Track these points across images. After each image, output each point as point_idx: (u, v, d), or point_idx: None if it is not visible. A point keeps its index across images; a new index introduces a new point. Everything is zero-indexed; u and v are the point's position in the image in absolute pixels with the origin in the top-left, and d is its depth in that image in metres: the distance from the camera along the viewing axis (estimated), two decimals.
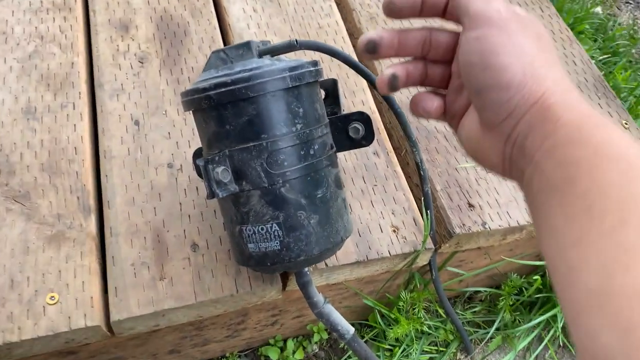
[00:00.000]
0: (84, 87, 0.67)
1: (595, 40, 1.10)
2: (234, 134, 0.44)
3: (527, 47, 0.31)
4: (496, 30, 0.31)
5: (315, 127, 0.46)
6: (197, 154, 0.55)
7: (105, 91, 0.67)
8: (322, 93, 0.52)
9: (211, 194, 0.44)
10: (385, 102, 0.54)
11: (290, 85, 0.44)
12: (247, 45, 0.46)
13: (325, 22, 0.79)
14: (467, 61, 0.32)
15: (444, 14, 0.35)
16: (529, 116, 0.30)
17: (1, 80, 0.65)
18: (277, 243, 0.46)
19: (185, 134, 0.64)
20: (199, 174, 0.55)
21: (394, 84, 0.36)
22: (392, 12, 0.36)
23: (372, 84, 0.50)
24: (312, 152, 0.46)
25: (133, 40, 0.72)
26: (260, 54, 0.47)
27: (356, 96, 0.72)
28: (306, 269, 0.51)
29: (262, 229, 0.46)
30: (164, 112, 0.66)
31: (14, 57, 0.68)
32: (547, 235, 0.28)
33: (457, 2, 0.33)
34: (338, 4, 0.84)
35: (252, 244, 0.47)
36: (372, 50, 0.36)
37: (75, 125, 0.64)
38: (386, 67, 0.37)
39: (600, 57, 1.02)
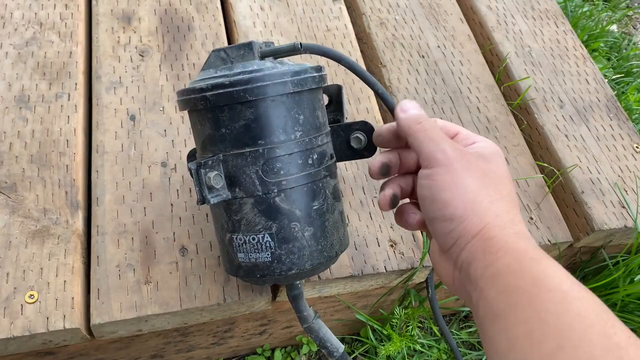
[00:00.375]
0: (80, 78, 0.65)
1: (609, 59, 1.07)
2: (229, 138, 0.42)
3: (470, 184, 0.36)
4: (442, 169, 0.36)
5: (315, 135, 0.44)
6: (192, 155, 0.52)
7: (102, 83, 0.64)
8: (326, 99, 0.50)
9: (202, 200, 0.41)
10: (391, 113, 0.52)
11: (292, 91, 0.42)
12: (248, 45, 0.44)
13: (334, 24, 0.77)
14: (420, 194, 0.38)
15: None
16: (471, 246, 0.35)
17: None
18: (268, 255, 0.44)
19: (181, 133, 0.62)
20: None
21: (394, 202, 0.42)
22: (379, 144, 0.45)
23: (377, 93, 0.48)
24: (310, 161, 0.43)
25: (135, 32, 0.70)
26: (262, 56, 0.44)
27: (361, 103, 0.70)
28: (297, 282, 0.49)
29: (253, 238, 0.44)
30: (161, 109, 0.64)
31: (10, 42, 0.66)
32: (493, 356, 0.31)
33: (412, 144, 0.39)
34: (348, 7, 0.82)
35: (242, 254, 0.45)
36: (386, 172, 0.42)
37: (68, 117, 0.62)
38: (385, 186, 0.42)
39: (614, 77, 0.99)
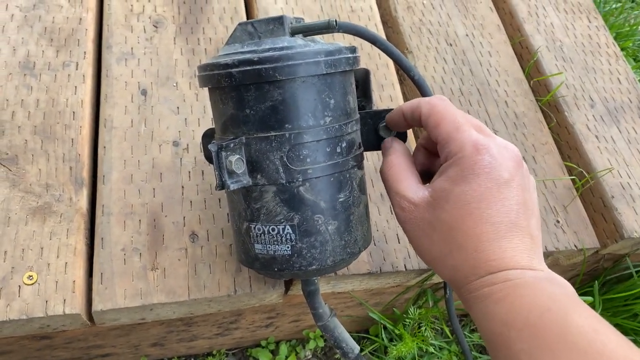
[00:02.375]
0: (90, 47, 0.61)
1: (636, 60, 1.04)
2: (254, 119, 0.38)
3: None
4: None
5: (345, 122, 0.40)
6: (208, 135, 0.49)
7: (113, 54, 0.61)
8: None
9: (221, 185, 0.38)
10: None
11: (325, 72, 0.38)
12: (279, 20, 0.40)
13: (359, 5, 0.73)
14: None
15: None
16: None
17: (0, 29, 0.59)
18: (288, 247, 0.40)
19: (195, 111, 0.59)
20: (208, 158, 0.50)
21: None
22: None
23: (413, 79, 0.45)
24: (338, 149, 0.40)
25: (149, 1, 0.66)
26: (293, 32, 0.41)
27: (384, 90, 0.66)
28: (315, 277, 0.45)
29: (273, 229, 0.40)
30: (174, 84, 0.60)
31: (16, 4, 0.62)
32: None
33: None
34: None
35: (259, 245, 0.41)
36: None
37: (76, 87, 0.58)
38: None
39: None
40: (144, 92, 0.59)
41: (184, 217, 0.52)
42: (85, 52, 0.60)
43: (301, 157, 0.39)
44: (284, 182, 0.39)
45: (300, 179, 0.39)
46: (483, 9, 0.79)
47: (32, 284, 0.46)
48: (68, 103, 0.57)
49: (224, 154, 0.37)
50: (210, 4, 0.67)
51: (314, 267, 0.41)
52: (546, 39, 0.78)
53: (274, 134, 0.38)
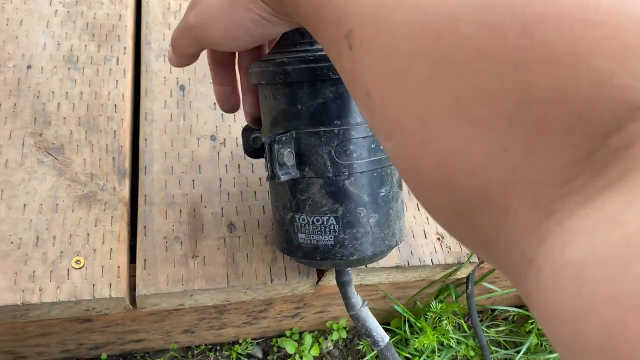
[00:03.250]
0: (129, 42, 0.63)
1: None
2: (305, 115, 0.40)
3: None
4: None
5: None
6: (247, 130, 0.51)
7: (152, 50, 0.63)
8: None
9: (272, 176, 0.40)
10: None
11: None
12: None
13: None
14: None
15: None
16: None
17: (45, 24, 0.61)
18: (331, 237, 0.43)
19: None
20: (247, 152, 0.51)
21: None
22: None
23: None
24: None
25: (185, 0, 0.68)
26: None
27: None
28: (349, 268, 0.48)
29: (317, 220, 0.42)
30: (211, 81, 0.62)
31: (59, 0, 0.64)
32: None
33: None
34: None
35: (303, 234, 0.43)
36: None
37: (117, 81, 0.60)
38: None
39: None
40: (182, 88, 0.61)
41: (222, 208, 0.54)
42: (125, 48, 0.63)
43: (348, 152, 0.41)
44: (330, 175, 0.41)
45: (346, 173, 0.41)
46: None
47: (80, 268, 0.49)
48: (110, 96, 0.59)
49: (276, 146, 0.40)
50: None
51: (354, 257, 0.43)
52: None
53: (324, 129, 0.40)
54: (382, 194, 0.43)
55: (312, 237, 0.43)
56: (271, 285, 0.52)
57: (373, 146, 0.41)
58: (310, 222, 0.43)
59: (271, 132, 0.42)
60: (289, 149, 0.40)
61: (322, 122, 0.40)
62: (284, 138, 0.40)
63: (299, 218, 0.43)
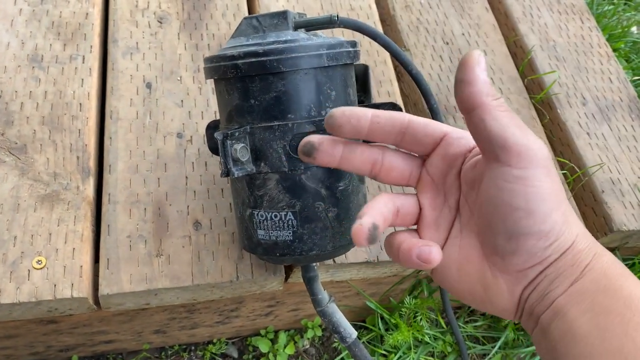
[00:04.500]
0: (96, 41, 0.63)
1: (629, 61, 1.06)
2: (258, 109, 0.40)
3: (561, 193, 0.29)
4: (543, 172, 0.28)
5: None
6: (211, 127, 0.50)
7: (118, 48, 0.62)
8: None
9: (226, 172, 0.40)
10: (423, 96, 0.50)
11: (326, 65, 0.40)
12: (283, 15, 0.42)
13: (358, 4, 0.75)
14: (505, 203, 0.28)
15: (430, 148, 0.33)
16: (561, 263, 0.29)
17: (9, 23, 0.61)
18: (289, 233, 0.42)
19: (198, 104, 0.60)
20: (212, 149, 0.51)
21: (374, 235, 0.29)
22: (332, 127, 0.32)
23: (411, 73, 0.46)
24: None
25: None
26: (296, 27, 0.42)
27: (382, 86, 0.68)
28: (314, 263, 0.47)
29: (275, 216, 0.42)
30: (178, 78, 0.62)
31: None
32: None
33: (489, 130, 0.28)
34: None
35: (262, 231, 0.43)
36: (308, 153, 0.34)
37: (82, 80, 0.59)
38: (363, 216, 0.30)
39: (634, 78, 0.98)
40: (149, 86, 0.60)
41: (188, 206, 0.54)
42: (91, 46, 0.62)
43: None
44: (286, 170, 0.41)
45: (302, 167, 0.41)
46: (479, 8, 0.81)
47: (41, 268, 0.48)
48: (75, 95, 0.58)
49: (229, 142, 0.39)
50: (213, 1, 0.69)
51: (314, 252, 0.43)
52: (540, 38, 0.80)
53: (278, 123, 0.40)
54: (340, 188, 0.42)
55: (271, 233, 0.43)
56: (238, 283, 0.51)
57: None
58: (269, 218, 0.42)
59: (226, 128, 0.42)
60: (242, 144, 0.40)
61: (276, 116, 0.40)
62: (237, 133, 0.40)
63: (257, 214, 0.43)
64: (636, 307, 0.26)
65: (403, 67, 0.46)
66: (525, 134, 0.28)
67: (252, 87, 0.40)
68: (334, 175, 0.42)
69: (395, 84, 0.69)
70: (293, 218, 0.42)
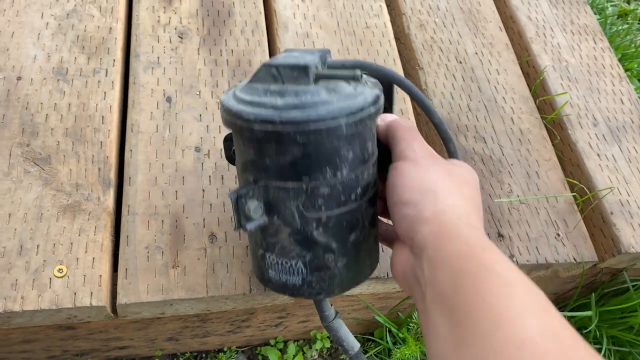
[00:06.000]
0: (119, 55, 0.65)
1: None
2: (273, 169, 0.39)
3: (432, 176, 0.38)
4: (409, 163, 0.39)
5: (361, 169, 0.41)
6: (229, 139, 0.51)
7: (140, 62, 0.64)
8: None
9: (238, 226, 0.40)
10: (425, 115, 0.51)
11: (345, 134, 0.38)
12: (304, 69, 0.39)
13: (374, 22, 0.76)
14: (387, 183, 0.40)
15: None
16: (424, 230, 0.35)
17: (36, 36, 0.63)
18: (299, 279, 0.43)
19: (216, 119, 0.62)
20: (229, 159, 0.51)
21: None
22: None
23: (432, 120, 0.45)
24: (353, 197, 0.41)
25: (175, 13, 0.69)
26: (317, 78, 0.40)
27: (396, 104, 0.69)
28: None
29: (286, 262, 0.43)
30: (197, 93, 0.63)
31: (51, 13, 0.65)
32: (433, 341, 0.31)
33: (392, 142, 0.42)
34: (388, 6, 0.81)
35: (273, 271, 0.44)
36: None
37: (105, 93, 0.61)
38: None
39: None
40: (169, 100, 0.62)
41: (204, 219, 0.55)
42: (114, 60, 0.64)
43: (316, 206, 0.40)
44: (298, 227, 0.41)
45: (314, 224, 0.41)
46: (493, 28, 0.82)
47: (62, 276, 0.50)
48: (98, 108, 0.60)
49: (242, 201, 0.39)
50: (233, 17, 0.71)
51: (322, 295, 0.44)
52: (552, 58, 0.81)
53: (292, 184, 0.39)
54: (351, 240, 0.42)
55: (281, 275, 0.44)
56: (250, 296, 0.53)
57: (343, 198, 0.40)
58: (280, 263, 0.43)
59: (241, 178, 0.42)
60: (256, 203, 0.40)
61: (290, 177, 0.39)
62: (250, 192, 0.39)
63: (269, 257, 0.43)
64: (490, 269, 0.31)
65: (425, 114, 0.45)
66: (408, 142, 0.41)
67: (268, 148, 0.39)
68: (345, 228, 0.42)
69: (409, 102, 0.70)
70: (303, 266, 0.42)
